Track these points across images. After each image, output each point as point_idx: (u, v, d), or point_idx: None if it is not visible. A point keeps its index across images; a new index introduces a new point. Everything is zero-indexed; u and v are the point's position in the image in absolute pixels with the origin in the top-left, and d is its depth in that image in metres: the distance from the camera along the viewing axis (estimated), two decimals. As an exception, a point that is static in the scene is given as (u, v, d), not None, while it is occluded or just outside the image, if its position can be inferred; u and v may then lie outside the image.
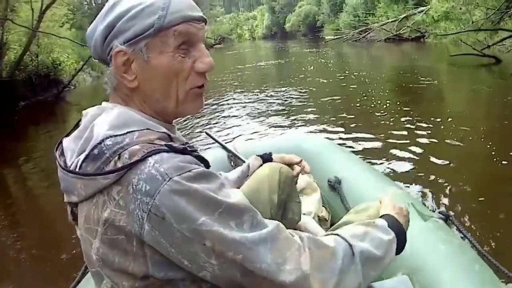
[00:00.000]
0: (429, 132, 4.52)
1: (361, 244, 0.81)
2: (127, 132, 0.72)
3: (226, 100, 8.32)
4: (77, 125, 0.81)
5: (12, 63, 10.94)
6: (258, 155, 1.45)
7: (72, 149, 0.77)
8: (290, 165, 1.40)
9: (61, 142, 0.81)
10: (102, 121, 0.74)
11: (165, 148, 0.70)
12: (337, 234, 0.83)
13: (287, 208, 1.34)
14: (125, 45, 0.74)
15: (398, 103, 6.53)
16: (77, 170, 0.72)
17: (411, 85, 7.79)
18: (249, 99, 8.30)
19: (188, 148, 0.73)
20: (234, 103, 7.96)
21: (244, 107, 7.46)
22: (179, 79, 0.76)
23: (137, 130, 0.72)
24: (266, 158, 1.44)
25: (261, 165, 1.40)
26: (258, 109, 7.16)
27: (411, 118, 5.19)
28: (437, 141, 4.22)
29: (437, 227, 1.33)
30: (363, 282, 0.80)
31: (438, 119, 5.03)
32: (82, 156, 0.73)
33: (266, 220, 0.74)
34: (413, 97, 6.85)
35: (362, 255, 0.80)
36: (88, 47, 0.80)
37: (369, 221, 0.89)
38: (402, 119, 5.25)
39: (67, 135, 0.82)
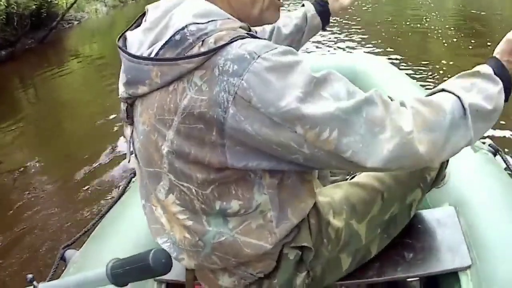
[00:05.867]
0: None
1: (469, 96, 0.89)
2: (209, 21, 0.82)
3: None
4: (138, 19, 0.95)
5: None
6: (314, 4, 1.53)
7: (140, 40, 0.86)
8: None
9: (123, 34, 0.93)
10: (184, 9, 0.84)
11: (248, 36, 0.82)
12: (443, 89, 0.92)
13: None
14: None
15: (460, 33, 6.97)
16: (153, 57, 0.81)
17: (478, 19, 7.95)
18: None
19: None
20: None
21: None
22: None
23: (220, 19, 0.83)
24: (324, 11, 1.52)
25: (320, 23, 1.53)
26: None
27: (473, 49, 5.64)
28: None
29: (486, 160, 1.53)
30: (473, 137, 0.89)
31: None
32: (160, 44, 0.81)
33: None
34: (479, 29, 7.15)
35: (472, 108, 0.87)
36: None
37: (473, 70, 0.96)
38: (463, 48, 5.76)
39: (129, 29, 0.94)
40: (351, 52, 5.79)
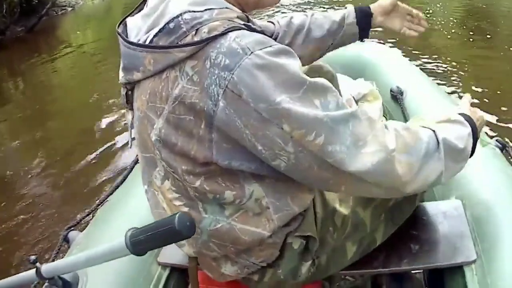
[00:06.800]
0: (498, 59, 4.80)
1: (443, 132, 0.94)
2: (206, 9, 0.82)
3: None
4: (140, 5, 0.95)
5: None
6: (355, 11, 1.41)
7: (139, 26, 0.88)
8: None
9: (123, 21, 0.94)
10: None
11: (245, 27, 0.81)
12: (418, 125, 0.97)
13: None
14: None
15: (462, 25, 6.93)
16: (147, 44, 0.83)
17: (482, 13, 7.97)
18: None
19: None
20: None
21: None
22: None
23: (216, 8, 0.83)
24: (364, 21, 1.42)
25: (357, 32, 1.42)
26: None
27: (474, 41, 5.54)
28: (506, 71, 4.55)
29: (493, 155, 1.54)
30: (444, 171, 0.94)
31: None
32: (155, 30, 0.83)
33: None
34: (482, 22, 7.06)
35: (445, 143, 0.93)
36: None
37: (445, 117, 1.02)
38: (465, 40, 5.73)
39: (130, 15, 0.95)
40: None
